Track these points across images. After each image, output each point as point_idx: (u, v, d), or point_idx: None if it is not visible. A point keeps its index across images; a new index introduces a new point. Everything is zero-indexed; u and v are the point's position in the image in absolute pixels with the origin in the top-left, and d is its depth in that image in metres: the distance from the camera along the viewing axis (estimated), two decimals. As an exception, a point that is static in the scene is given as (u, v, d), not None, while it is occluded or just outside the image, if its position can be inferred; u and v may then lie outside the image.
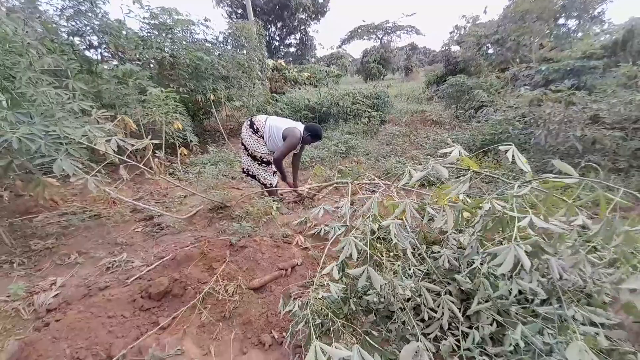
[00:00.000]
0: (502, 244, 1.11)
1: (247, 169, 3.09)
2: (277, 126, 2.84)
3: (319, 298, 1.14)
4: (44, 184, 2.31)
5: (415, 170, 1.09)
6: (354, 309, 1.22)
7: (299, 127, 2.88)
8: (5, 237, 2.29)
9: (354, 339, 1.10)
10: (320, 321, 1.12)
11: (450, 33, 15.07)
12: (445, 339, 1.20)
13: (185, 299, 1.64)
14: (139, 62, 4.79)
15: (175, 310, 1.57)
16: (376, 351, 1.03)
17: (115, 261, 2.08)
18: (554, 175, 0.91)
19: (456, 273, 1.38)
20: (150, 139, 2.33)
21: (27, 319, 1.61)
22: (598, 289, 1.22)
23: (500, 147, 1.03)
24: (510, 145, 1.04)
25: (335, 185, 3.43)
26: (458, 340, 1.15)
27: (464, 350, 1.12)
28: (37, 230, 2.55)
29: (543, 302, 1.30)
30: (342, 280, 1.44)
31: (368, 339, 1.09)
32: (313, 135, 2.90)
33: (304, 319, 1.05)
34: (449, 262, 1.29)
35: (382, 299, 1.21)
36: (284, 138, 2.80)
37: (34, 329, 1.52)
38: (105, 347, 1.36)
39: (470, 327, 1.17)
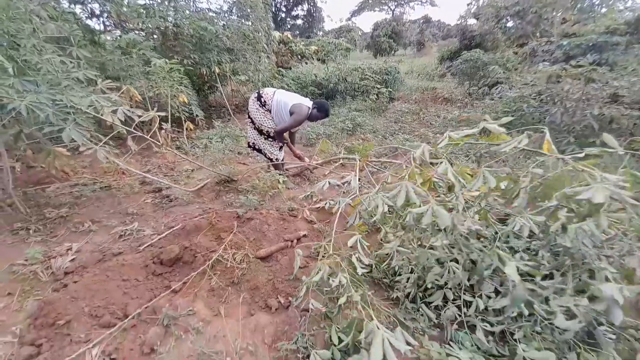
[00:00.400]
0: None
1: (253, 143, 3.07)
2: (284, 101, 2.78)
3: (357, 274, 1.14)
4: (55, 153, 2.34)
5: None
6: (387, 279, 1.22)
7: (307, 103, 2.82)
8: (20, 205, 2.37)
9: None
10: (354, 292, 1.13)
11: (468, 5, 14.20)
12: (447, 307, 1.23)
13: (195, 265, 1.69)
14: (142, 32, 4.64)
15: (186, 276, 1.63)
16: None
17: (127, 230, 2.15)
18: (598, 149, 0.89)
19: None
20: (156, 112, 2.31)
21: (45, 281, 1.68)
22: (601, 264, 1.22)
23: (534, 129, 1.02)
24: (544, 128, 1.03)
25: (342, 162, 3.41)
26: (459, 308, 1.18)
27: (465, 317, 1.15)
28: (51, 200, 2.61)
29: (544, 278, 1.31)
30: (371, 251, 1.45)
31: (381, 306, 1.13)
32: (320, 111, 2.84)
33: (343, 288, 1.07)
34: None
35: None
36: (291, 114, 2.75)
37: (53, 289, 1.60)
38: (121, 306, 1.44)
39: (473, 297, 1.20)
